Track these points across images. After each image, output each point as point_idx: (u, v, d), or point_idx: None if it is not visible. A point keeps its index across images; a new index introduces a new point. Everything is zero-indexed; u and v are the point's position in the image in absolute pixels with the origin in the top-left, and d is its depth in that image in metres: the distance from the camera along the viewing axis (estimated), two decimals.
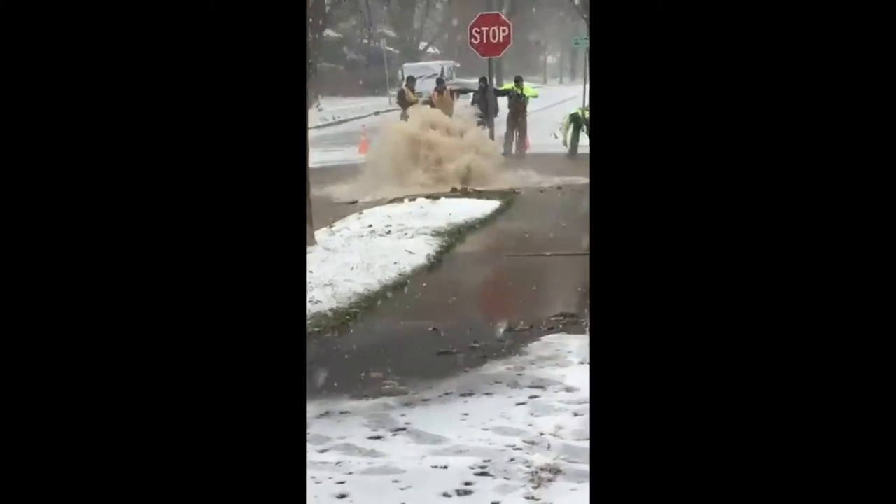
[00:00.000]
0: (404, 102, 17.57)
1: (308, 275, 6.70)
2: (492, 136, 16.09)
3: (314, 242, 7.95)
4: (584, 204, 10.47)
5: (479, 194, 11.65)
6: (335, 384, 4.66)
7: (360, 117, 27.58)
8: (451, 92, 17.36)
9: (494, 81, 18.68)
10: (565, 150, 16.63)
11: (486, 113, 16.17)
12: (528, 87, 18.26)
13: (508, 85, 18.10)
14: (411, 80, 18.79)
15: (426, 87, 33.50)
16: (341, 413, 4.26)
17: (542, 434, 3.86)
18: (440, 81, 18.49)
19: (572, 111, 17.38)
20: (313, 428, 3.99)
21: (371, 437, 3.93)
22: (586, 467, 3.44)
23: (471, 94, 17.51)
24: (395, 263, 7.39)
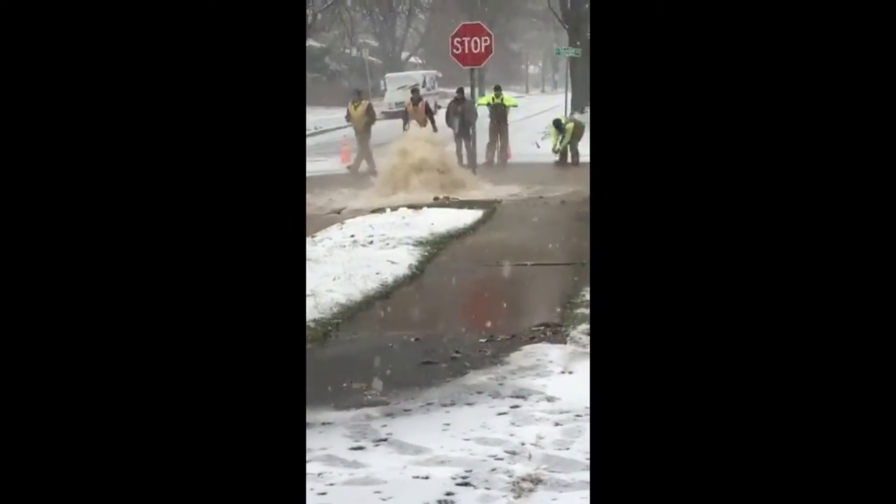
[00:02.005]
0: (349, 118, 17.43)
1: None
2: (473, 149, 16.07)
3: None
4: (566, 213, 10.53)
5: (461, 204, 11.68)
6: (317, 395, 4.66)
7: (341, 127, 27.55)
8: (427, 105, 17.07)
9: (477, 91, 18.68)
10: (546, 159, 16.68)
11: (466, 128, 16.13)
12: (508, 97, 18.29)
13: (487, 98, 18.06)
14: (356, 94, 18.31)
15: (406, 97, 33.64)
16: (323, 424, 4.26)
17: (523, 444, 3.88)
18: (415, 91, 18.27)
19: (555, 118, 17.51)
20: None
21: (353, 448, 3.94)
22: (567, 477, 3.47)
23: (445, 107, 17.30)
24: (378, 274, 7.40)
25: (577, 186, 12.19)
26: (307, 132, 26.57)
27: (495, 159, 17.06)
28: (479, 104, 17.45)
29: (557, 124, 16.90)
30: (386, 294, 7.05)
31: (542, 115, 24.99)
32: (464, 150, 16.32)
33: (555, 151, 16.74)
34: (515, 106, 18.50)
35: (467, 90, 16.66)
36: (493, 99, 17.50)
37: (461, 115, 16.26)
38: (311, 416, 4.33)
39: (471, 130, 16.07)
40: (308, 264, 7.61)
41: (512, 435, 4.00)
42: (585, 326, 5.46)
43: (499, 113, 17.27)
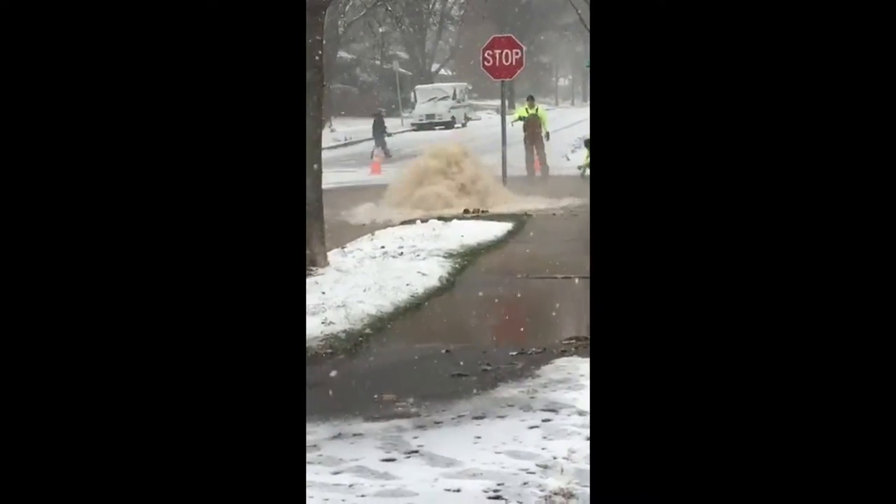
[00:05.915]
0: None
1: (321, 296, 6.72)
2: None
3: (327, 264, 7.98)
4: None
5: (491, 217, 11.68)
6: (348, 406, 4.67)
7: (370, 139, 27.68)
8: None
9: (507, 104, 18.61)
10: (577, 171, 16.58)
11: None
12: (541, 109, 18.18)
13: (521, 111, 17.92)
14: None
15: (439, 108, 33.71)
16: (354, 435, 4.27)
17: (555, 458, 3.86)
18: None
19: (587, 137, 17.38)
20: (326, 450, 4.00)
21: (384, 460, 3.94)
22: None
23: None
24: (408, 285, 7.41)
25: None
26: (337, 143, 26.75)
27: (536, 172, 16.92)
28: (514, 120, 17.36)
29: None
30: (416, 305, 7.06)
31: (572, 128, 24.94)
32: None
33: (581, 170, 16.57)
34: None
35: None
36: (526, 110, 17.37)
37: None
38: (342, 427, 4.35)
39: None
40: (338, 275, 7.64)
41: (544, 448, 3.98)
42: None
43: (532, 125, 17.14)
